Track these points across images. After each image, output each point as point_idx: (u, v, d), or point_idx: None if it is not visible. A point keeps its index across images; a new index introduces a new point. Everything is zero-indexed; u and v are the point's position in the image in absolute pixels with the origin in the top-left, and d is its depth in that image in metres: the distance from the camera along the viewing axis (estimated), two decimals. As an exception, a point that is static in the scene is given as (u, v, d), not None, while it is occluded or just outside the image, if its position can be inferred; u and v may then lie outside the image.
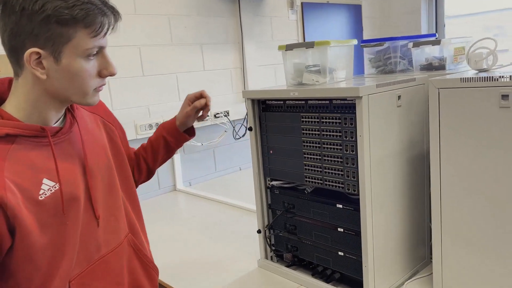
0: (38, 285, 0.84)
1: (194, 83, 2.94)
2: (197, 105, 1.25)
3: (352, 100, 1.31)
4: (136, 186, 1.23)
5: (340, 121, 1.37)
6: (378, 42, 1.85)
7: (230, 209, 2.41)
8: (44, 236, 0.82)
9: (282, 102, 1.54)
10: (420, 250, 1.59)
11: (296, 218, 1.61)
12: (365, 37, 4.41)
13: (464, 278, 1.33)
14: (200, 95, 1.26)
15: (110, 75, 0.87)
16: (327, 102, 1.41)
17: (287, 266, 1.66)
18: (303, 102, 1.47)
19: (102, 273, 0.94)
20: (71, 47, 0.79)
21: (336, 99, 1.38)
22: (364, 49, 1.95)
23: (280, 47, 1.62)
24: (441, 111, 1.28)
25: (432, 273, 1.42)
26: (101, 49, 0.84)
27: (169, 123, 1.27)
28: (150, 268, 1.07)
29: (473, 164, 1.24)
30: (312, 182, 1.51)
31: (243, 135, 3.14)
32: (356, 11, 4.37)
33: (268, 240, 1.71)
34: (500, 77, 1.16)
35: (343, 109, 1.37)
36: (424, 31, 4.34)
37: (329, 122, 1.40)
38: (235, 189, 2.79)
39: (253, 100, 1.61)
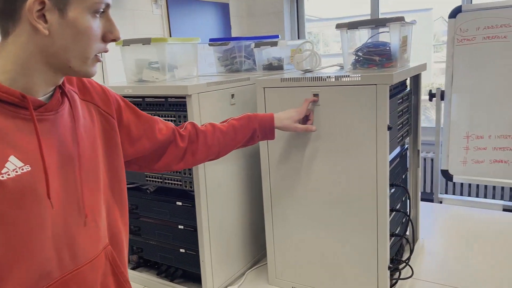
0: None
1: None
2: (310, 131, 1.29)
3: (184, 98, 1.32)
4: (172, 169, 1.09)
5: (175, 118, 1.37)
6: (223, 42, 1.90)
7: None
8: None
9: (120, 99, 1.49)
10: (261, 240, 1.68)
11: (140, 219, 1.58)
12: (233, 35, 4.52)
13: (294, 260, 1.44)
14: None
15: (115, 40, 0.76)
16: (163, 99, 1.40)
17: (133, 269, 1.62)
18: (141, 99, 1.44)
19: None
20: (79, 0, 0.70)
21: (171, 97, 1.37)
22: (213, 47, 1.98)
23: (117, 43, 1.56)
24: (266, 108, 1.36)
25: (268, 261, 1.51)
26: (107, 8, 0.75)
27: (267, 120, 1.21)
28: None
29: (297, 156, 1.35)
30: (153, 181, 1.49)
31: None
32: (224, 10, 4.46)
33: (112, 243, 1.64)
34: (314, 78, 1.28)
35: (177, 107, 1.37)
36: (287, 32, 4.62)
37: (165, 120, 1.39)
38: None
39: (89, 98, 1.53)
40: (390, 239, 1.34)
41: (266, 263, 1.60)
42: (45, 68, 0.72)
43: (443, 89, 2.30)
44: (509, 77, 2.12)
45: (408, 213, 1.44)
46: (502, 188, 3.02)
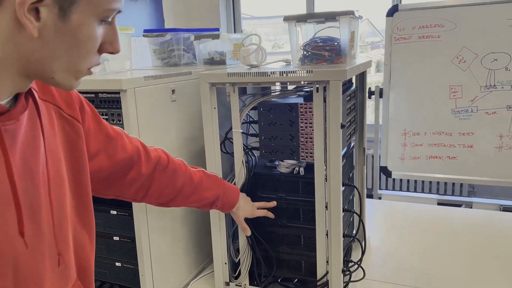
0: None
1: None
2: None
3: (118, 93, 1.17)
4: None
5: (107, 117, 1.22)
6: (159, 33, 1.75)
7: None
8: None
9: (41, 95, 1.29)
10: (206, 247, 1.57)
11: (68, 230, 1.39)
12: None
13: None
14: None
15: (113, 53, 0.62)
16: (93, 95, 1.23)
17: (60, 287, 1.43)
18: (66, 95, 1.26)
19: None
20: (89, 1, 0.54)
21: (103, 92, 1.21)
22: (148, 39, 1.83)
23: (36, 30, 1.36)
24: (212, 103, 1.26)
25: (214, 270, 1.41)
26: (116, 15, 0.61)
27: (232, 194, 1.14)
28: None
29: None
30: (82, 187, 1.32)
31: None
32: (157, 3, 4.25)
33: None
34: (261, 73, 1.20)
35: (110, 104, 1.21)
36: (223, 28, 4.52)
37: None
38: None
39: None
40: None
41: (212, 272, 1.50)
42: (17, 74, 0.56)
43: (381, 86, 2.34)
44: (443, 75, 2.21)
45: (359, 213, 1.41)
46: (438, 182, 3.18)
